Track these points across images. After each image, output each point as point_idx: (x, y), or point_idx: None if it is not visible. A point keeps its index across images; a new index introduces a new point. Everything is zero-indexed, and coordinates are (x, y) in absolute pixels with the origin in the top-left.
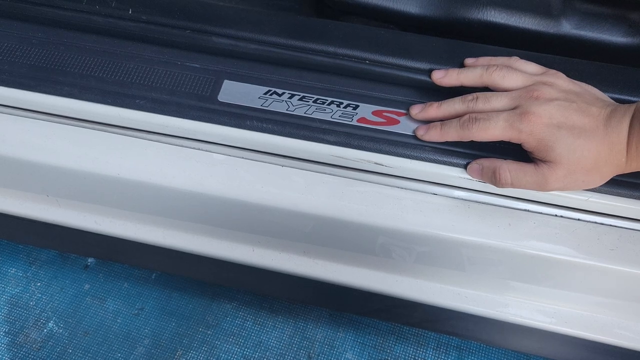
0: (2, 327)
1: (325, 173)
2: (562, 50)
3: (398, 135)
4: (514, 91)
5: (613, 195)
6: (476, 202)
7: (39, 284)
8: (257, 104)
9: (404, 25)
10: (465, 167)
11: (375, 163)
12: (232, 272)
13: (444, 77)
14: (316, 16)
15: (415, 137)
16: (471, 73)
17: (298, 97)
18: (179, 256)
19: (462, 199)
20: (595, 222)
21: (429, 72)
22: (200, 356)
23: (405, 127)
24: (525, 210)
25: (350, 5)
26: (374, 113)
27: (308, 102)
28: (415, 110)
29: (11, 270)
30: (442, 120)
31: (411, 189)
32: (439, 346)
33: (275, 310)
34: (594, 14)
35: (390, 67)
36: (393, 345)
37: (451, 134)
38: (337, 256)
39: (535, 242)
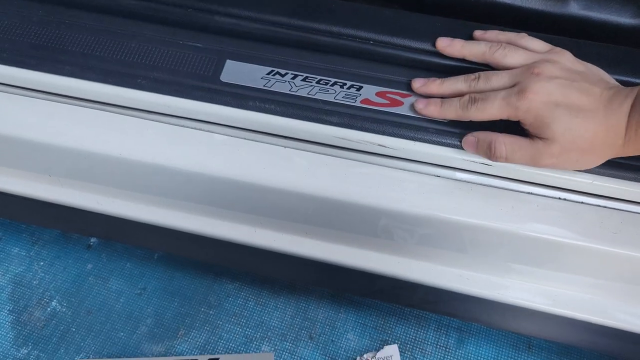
0: (6, 305)
1: (328, 154)
2: (569, 32)
3: (401, 117)
4: (515, 69)
5: (616, 178)
6: (479, 184)
7: (42, 263)
8: (259, 85)
9: (408, 5)
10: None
11: (379, 145)
12: (234, 253)
13: (448, 45)
14: None
15: (419, 118)
16: (475, 48)
17: (301, 78)
18: (181, 236)
19: (465, 181)
20: (599, 205)
21: (433, 53)
22: (203, 336)
23: (408, 108)
24: (528, 192)
25: None
26: (378, 94)
27: (311, 82)
28: (418, 83)
29: (14, 249)
30: (442, 97)
31: (414, 171)
32: (440, 327)
33: (277, 291)
34: None
35: (394, 47)
36: (394, 326)
37: (450, 112)
38: (339, 237)
39: (538, 224)
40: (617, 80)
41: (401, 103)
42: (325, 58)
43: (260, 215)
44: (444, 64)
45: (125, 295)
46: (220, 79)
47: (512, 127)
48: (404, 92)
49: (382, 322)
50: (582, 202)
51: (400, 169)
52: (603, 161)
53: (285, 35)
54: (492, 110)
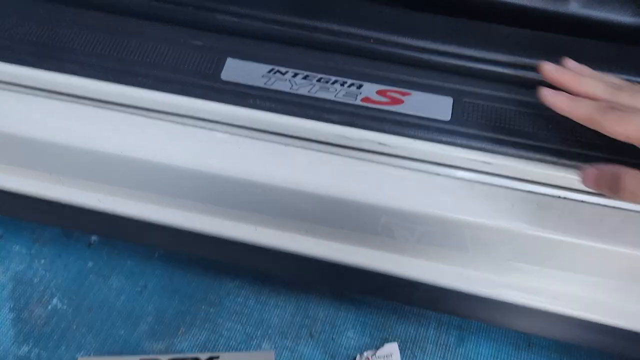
0: (7, 303)
1: (328, 152)
2: (569, 30)
3: (402, 115)
4: None
5: None
6: (479, 182)
7: (43, 261)
8: (260, 83)
9: (409, 3)
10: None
11: (379, 143)
12: (234, 251)
13: (556, 72)
14: None
15: (419, 117)
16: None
17: (302, 76)
18: (182, 234)
19: (465, 180)
20: (599, 204)
21: (434, 51)
22: (203, 333)
23: (409, 107)
24: (528, 191)
25: None
26: (379, 92)
27: (312, 81)
28: (550, 67)
29: (15, 247)
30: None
31: (414, 169)
32: (440, 325)
33: (278, 289)
34: None
35: (395, 45)
36: (394, 324)
37: (581, 111)
38: (339, 236)
39: (538, 223)
40: (617, 78)
41: (402, 101)
42: (325, 56)
43: (261, 213)
44: (445, 62)
45: (126, 293)
46: (221, 77)
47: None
48: (405, 90)
49: (383, 320)
50: (582, 201)
51: (401, 167)
52: None
53: (286, 33)
54: (630, 126)
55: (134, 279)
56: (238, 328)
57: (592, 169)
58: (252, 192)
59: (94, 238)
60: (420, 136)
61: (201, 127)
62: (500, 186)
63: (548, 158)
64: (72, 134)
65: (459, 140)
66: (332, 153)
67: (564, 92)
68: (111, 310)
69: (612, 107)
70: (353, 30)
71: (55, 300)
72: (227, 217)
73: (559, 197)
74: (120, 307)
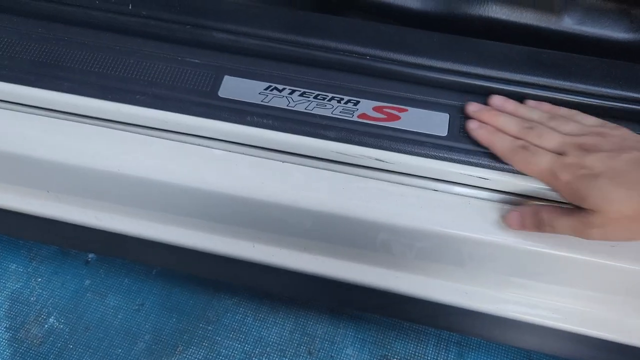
0: (3, 322)
1: (325, 169)
2: (564, 46)
3: (399, 132)
4: (566, 136)
5: None
6: (477, 198)
7: (39, 279)
8: (257, 100)
9: (405, 21)
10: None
11: (376, 159)
12: (232, 268)
13: (480, 111)
14: (317, 11)
15: (416, 132)
16: (509, 123)
17: (299, 93)
18: (180, 252)
19: (462, 195)
20: None
21: (430, 68)
22: (201, 352)
23: (406, 123)
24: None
25: (352, 0)
26: (375, 109)
27: (309, 97)
28: (473, 107)
29: (12, 265)
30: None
31: (412, 185)
32: (440, 342)
33: (276, 307)
34: (595, 9)
35: (391, 62)
36: (393, 341)
37: (498, 146)
38: (337, 252)
39: (536, 238)
40: (613, 94)
41: (398, 117)
42: (322, 73)
43: (258, 230)
44: (441, 79)
45: (123, 311)
46: (218, 94)
47: None
48: (401, 106)
49: (382, 337)
50: None
51: (398, 183)
52: None
53: (283, 50)
54: (536, 168)
55: (132, 297)
56: (236, 346)
57: (514, 213)
58: (249, 209)
59: (91, 256)
60: (417, 152)
61: (199, 145)
62: (497, 201)
63: None
64: (69, 152)
65: (455, 156)
66: (329, 169)
67: (488, 127)
68: (108, 328)
69: (524, 146)
70: (350, 47)
71: (52, 319)
72: (225, 234)
73: None
74: (117, 325)
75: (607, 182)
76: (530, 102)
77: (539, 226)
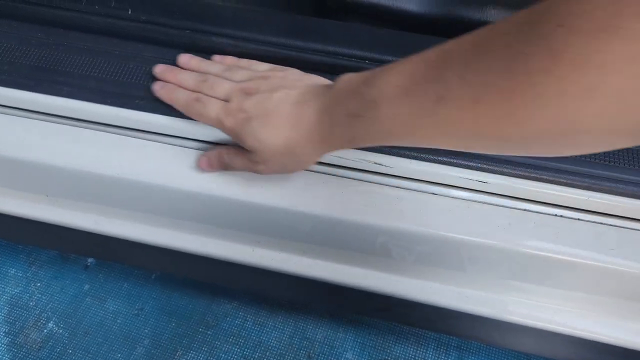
0: (2, 327)
1: (324, 173)
2: None
3: None
4: (235, 83)
5: (612, 194)
6: (476, 201)
7: (39, 284)
8: None
9: (404, 25)
10: (462, 166)
11: (375, 163)
12: (232, 272)
13: (164, 71)
14: (315, 15)
15: None
16: (187, 79)
17: None
18: (179, 256)
19: (462, 199)
20: (595, 222)
21: None
22: (200, 356)
23: None
24: (525, 210)
25: (350, 5)
26: None
27: None
28: (158, 69)
29: (11, 270)
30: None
31: (411, 189)
32: (439, 346)
33: (275, 311)
34: None
35: None
36: (393, 345)
37: (177, 103)
38: (336, 256)
39: (536, 241)
40: None
41: None
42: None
43: (258, 234)
44: None
45: (122, 316)
46: None
47: None
48: None
49: (381, 341)
50: (578, 219)
51: (397, 187)
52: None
53: (282, 55)
54: (207, 117)
55: (131, 301)
56: (235, 351)
57: (202, 156)
58: (249, 213)
59: (90, 260)
60: (416, 155)
61: (198, 149)
62: (497, 205)
63: (544, 176)
64: (69, 157)
65: (455, 160)
66: (328, 173)
67: (171, 85)
68: (108, 333)
69: (198, 98)
70: (348, 51)
71: (51, 324)
72: (224, 239)
73: (556, 215)
74: (116, 330)
75: (258, 123)
76: (215, 57)
77: (224, 166)
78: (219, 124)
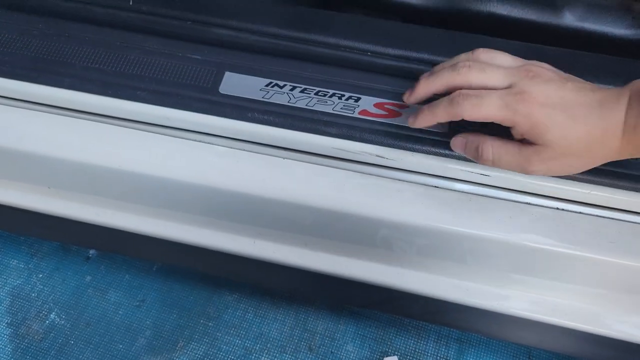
0: (4, 318)
1: (326, 165)
2: (566, 42)
3: (400, 128)
4: (510, 68)
5: (613, 188)
6: (477, 194)
7: (40, 275)
8: (258, 96)
9: (406, 17)
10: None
11: (377, 155)
12: (233, 264)
13: (411, 95)
14: (318, 7)
15: (416, 129)
16: (439, 78)
17: (300, 89)
18: (181, 248)
19: (463, 192)
20: (596, 215)
21: (431, 64)
22: (202, 348)
23: (407, 119)
24: (526, 203)
25: None
26: (376, 105)
27: (310, 94)
28: (406, 95)
29: (13, 262)
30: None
31: (412, 182)
32: (440, 338)
33: (277, 303)
34: (597, 5)
35: (392, 58)
36: (393, 338)
37: (440, 113)
38: (338, 248)
39: (536, 234)
40: None
41: (399, 114)
42: (323, 69)
43: (259, 226)
44: None
45: (124, 307)
46: (220, 90)
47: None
48: (402, 103)
49: (382, 334)
50: (579, 212)
51: (399, 180)
52: (598, 164)
53: (284, 47)
54: (488, 108)
55: (132, 293)
56: (237, 342)
57: (459, 137)
58: (250, 205)
59: (92, 252)
60: (418, 148)
61: (200, 141)
62: (498, 198)
63: None
64: (70, 148)
65: (456, 153)
66: (330, 166)
67: (421, 108)
68: (109, 324)
69: (465, 94)
70: (351, 43)
71: (53, 315)
72: (225, 231)
73: (557, 208)
74: (118, 321)
75: (564, 115)
76: (426, 74)
77: (477, 157)
78: (504, 111)
